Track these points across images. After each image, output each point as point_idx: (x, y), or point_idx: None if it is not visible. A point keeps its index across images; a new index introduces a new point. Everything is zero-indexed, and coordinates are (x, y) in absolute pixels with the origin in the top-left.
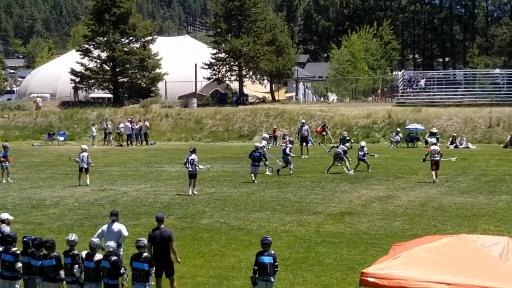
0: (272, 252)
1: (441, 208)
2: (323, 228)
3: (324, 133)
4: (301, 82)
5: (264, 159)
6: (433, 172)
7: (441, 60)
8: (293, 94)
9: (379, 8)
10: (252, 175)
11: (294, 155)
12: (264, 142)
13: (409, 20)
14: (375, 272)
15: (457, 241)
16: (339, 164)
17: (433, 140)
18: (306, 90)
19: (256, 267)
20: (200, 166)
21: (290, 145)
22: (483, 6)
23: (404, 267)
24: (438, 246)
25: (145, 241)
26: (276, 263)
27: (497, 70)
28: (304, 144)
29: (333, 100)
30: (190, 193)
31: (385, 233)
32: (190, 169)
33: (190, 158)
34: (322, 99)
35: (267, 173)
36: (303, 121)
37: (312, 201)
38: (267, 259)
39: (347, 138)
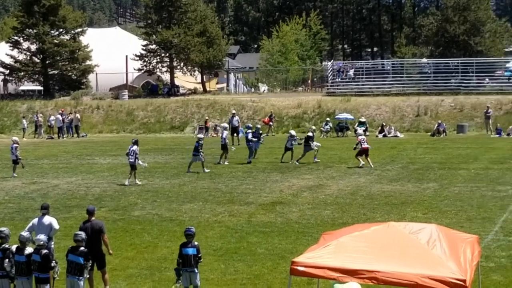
0: (196, 243)
1: (370, 197)
2: (255, 218)
3: (271, 123)
4: (232, 73)
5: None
6: (360, 158)
7: (369, 50)
8: (224, 85)
9: None
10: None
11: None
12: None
13: (337, 10)
14: (305, 261)
15: (386, 228)
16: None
17: (362, 129)
18: (237, 81)
19: (180, 259)
20: (140, 162)
21: (250, 131)
22: None
23: (333, 255)
24: (367, 234)
25: (83, 235)
26: (200, 254)
27: (424, 60)
28: (235, 134)
29: (264, 90)
30: (127, 183)
31: (315, 222)
32: (131, 160)
33: (131, 149)
34: (253, 89)
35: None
36: (234, 111)
37: (244, 191)
38: (190, 251)
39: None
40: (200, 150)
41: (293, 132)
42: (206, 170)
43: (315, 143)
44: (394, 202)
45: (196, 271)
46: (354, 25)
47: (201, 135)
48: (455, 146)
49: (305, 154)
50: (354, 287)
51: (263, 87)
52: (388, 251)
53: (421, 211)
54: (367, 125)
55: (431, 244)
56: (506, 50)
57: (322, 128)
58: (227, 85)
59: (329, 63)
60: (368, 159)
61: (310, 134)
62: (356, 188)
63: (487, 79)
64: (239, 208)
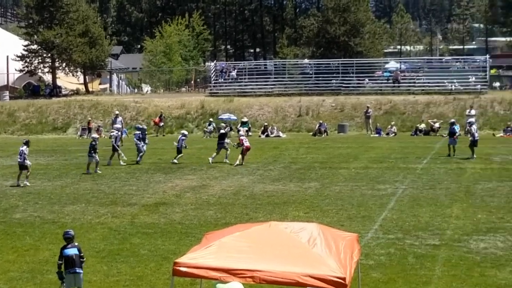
0: (76, 244)
1: (253, 196)
2: (138, 219)
3: (162, 123)
4: (114, 74)
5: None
6: (241, 156)
7: (252, 50)
8: (107, 85)
9: None
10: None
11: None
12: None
13: (220, 11)
14: (187, 262)
15: (267, 228)
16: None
17: (245, 129)
18: (120, 81)
19: (60, 262)
20: (27, 162)
21: (138, 132)
22: None
23: (215, 255)
24: (248, 234)
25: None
26: (82, 254)
27: (306, 61)
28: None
29: (147, 91)
30: (21, 184)
31: (198, 222)
32: (19, 160)
33: (21, 149)
34: (136, 90)
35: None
36: (117, 112)
37: (127, 192)
38: (72, 251)
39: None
40: (97, 150)
41: (185, 132)
42: (99, 171)
43: (227, 140)
44: (276, 201)
45: (80, 271)
46: (236, 26)
47: (96, 135)
48: (336, 145)
49: (219, 152)
50: (236, 287)
51: (146, 88)
52: (269, 250)
53: (302, 210)
54: (250, 125)
55: (311, 243)
56: (385, 51)
57: (205, 129)
58: (110, 86)
59: (212, 63)
60: (245, 157)
61: (222, 131)
62: (239, 188)
63: (366, 80)
64: (122, 209)
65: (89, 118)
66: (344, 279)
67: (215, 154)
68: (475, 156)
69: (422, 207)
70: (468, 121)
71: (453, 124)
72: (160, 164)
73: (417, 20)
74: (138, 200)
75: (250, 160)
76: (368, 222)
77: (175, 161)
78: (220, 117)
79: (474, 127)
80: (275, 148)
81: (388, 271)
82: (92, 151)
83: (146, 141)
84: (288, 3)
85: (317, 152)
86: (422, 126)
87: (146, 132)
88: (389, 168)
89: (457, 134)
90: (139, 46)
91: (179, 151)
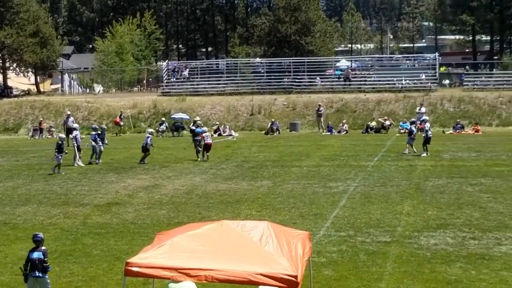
0: (43, 248)
1: (206, 195)
2: (90, 219)
3: (122, 123)
4: (66, 74)
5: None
6: (204, 152)
7: (204, 50)
8: (59, 85)
9: None
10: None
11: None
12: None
13: (172, 10)
14: (139, 262)
15: (219, 227)
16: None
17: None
18: (72, 81)
19: (25, 264)
20: None
21: (94, 132)
22: None
23: (167, 255)
24: (200, 233)
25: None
26: (46, 259)
27: (258, 59)
28: (69, 135)
29: (99, 91)
30: None
31: (151, 222)
32: None
33: None
34: (88, 90)
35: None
36: (69, 112)
37: (79, 192)
38: (35, 255)
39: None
40: (63, 150)
41: (151, 130)
42: (62, 172)
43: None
44: (229, 200)
45: (41, 275)
46: (188, 25)
47: (62, 135)
48: (288, 144)
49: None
50: (189, 286)
51: (98, 88)
52: (221, 249)
53: (255, 209)
54: (202, 125)
55: (263, 241)
56: (336, 49)
57: (157, 128)
58: (62, 86)
59: (164, 63)
60: (209, 153)
61: (195, 128)
62: (191, 187)
63: (318, 78)
64: (74, 209)
65: (41, 119)
66: (296, 276)
67: (197, 151)
68: (429, 153)
69: (373, 204)
70: (422, 119)
71: (412, 123)
72: (112, 164)
73: (368, 18)
74: (90, 200)
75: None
76: (320, 219)
77: (145, 161)
78: (172, 116)
79: (427, 124)
80: (227, 147)
81: (340, 268)
82: (62, 150)
83: (106, 142)
84: (239, 2)
85: (269, 151)
86: (373, 124)
87: (105, 133)
88: (340, 166)
89: (414, 133)
90: (90, 46)
91: (145, 149)
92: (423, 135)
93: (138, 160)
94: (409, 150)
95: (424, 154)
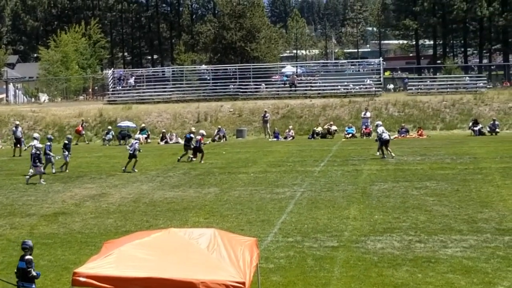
0: (27, 257)
1: (153, 204)
2: (37, 229)
3: (83, 132)
4: (11, 83)
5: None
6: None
7: (150, 57)
8: (3, 95)
9: (87, 7)
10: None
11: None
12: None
13: (117, 18)
14: (86, 272)
15: (166, 235)
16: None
17: (143, 136)
18: (17, 91)
19: (16, 272)
20: None
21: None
22: (187, 4)
23: (115, 264)
24: (147, 241)
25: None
26: (29, 269)
27: (203, 66)
28: (18, 145)
29: (45, 100)
30: None
31: (98, 231)
32: None
33: None
34: (33, 99)
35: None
36: (18, 122)
37: (25, 203)
38: (20, 264)
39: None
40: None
41: (138, 136)
42: (43, 182)
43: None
44: (176, 208)
45: (25, 284)
46: (133, 33)
47: (39, 145)
48: (234, 150)
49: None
50: None
51: (43, 97)
52: (169, 257)
53: (202, 216)
54: (149, 132)
55: (211, 248)
56: (281, 55)
57: (104, 137)
58: (6, 96)
59: (110, 71)
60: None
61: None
62: (138, 195)
63: (263, 84)
64: (21, 220)
65: None
66: (243, 283)
67: (192, 157)
68: (392, 154)
69: (320, 210)
70: (375, 124)
71: (377, 126)
72: (59, 173)
73: (312, 24)
74: (37, 210)
75: (150, 167)
76: (267, 225)
77: (135, 170)
78: (119, 124)
79: (380, 128)
80: (174, 155)
81: (288, 274)
82: (37, 161)
83: (70, 152)
84: (184, 10)
85: (216, 158)
86: (319, 129)
87: (71, 142)
88: (287, 171)
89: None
90: (35, 55)
91: (132, 156)
92: (375, 139)
93: (122, 168)
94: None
95: (386, 157)
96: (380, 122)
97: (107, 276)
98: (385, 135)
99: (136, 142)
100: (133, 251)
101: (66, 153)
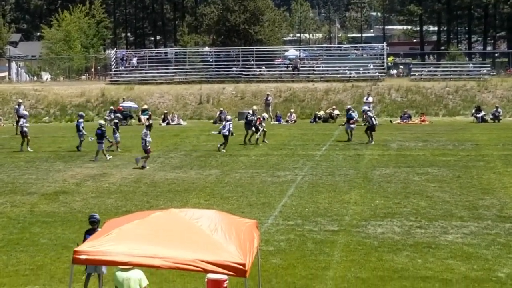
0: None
1: (154, 184)
2: (38, 208)
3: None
4: (13, 62)
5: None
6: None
7: (152, 38)
8: (6, 73)
9: None
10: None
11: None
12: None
13: None
14: (87, 250)
15: (167, 215)
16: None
17: (145, 117)
18: (19, 69)
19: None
20: None
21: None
22: None
23: (115, 243)
24: (148, 221)
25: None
26: None
27: (206, 48)
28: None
29: (47, 79)
30: None
31: (99, 210)
32: None
33: None
34: (35, 78)
35: None
36: (21, 100)
37: (26, 181)
38: (87, 237)
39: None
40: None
41: (229, 117)
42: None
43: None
44: (177, 189)
45: None
46: (137, 14)
47: (102, 121)
48: (236, 133)
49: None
50: (136, 274)
51: (46, 76)
52: (169, 237)
53: (203, 198)
54: (150, 113)
55: (212, 229)
56: (284, 39)
57: (106, 117)
58: (9, 74)
59: (113, 51)
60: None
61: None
62: (139, 176)
63: (263, 67)
64: (22, 198)
65: None
66: (244, 265)
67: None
68: (373, 141)
69: (321, 194)
70: (362, 109)
71: (349, 110)
72: (60, 152)
73: (316, 8)
74: (37, 189)
75: (151, 148)
76: (268, 208)
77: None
78: (121, 105)
79: (369, 114)
80: (175, 136)
81: (287, 257)
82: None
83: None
84: None
85: (218, 140)
86: (321, 113)
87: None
88: (288, 155)
89: (354, 119)
90: (38, 34)
91: (225, 138)
92: (366, 124)
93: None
94: (349, 136)
95: (373, 142)
96: (367, 107)
97: (108, 254)
98: (375, 121)
99: (229, 123)
100: (134, 230)
101: (117, 134)
